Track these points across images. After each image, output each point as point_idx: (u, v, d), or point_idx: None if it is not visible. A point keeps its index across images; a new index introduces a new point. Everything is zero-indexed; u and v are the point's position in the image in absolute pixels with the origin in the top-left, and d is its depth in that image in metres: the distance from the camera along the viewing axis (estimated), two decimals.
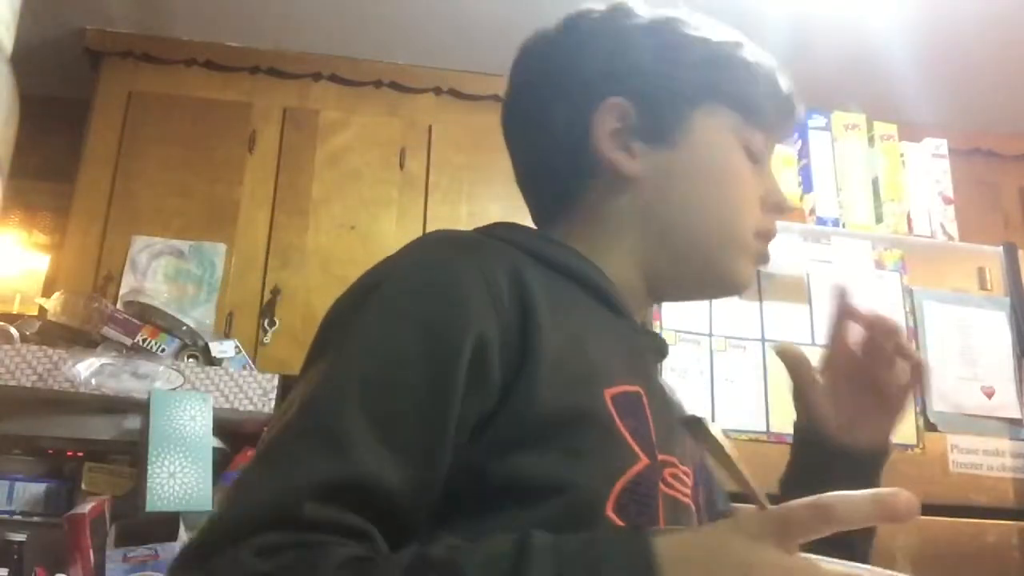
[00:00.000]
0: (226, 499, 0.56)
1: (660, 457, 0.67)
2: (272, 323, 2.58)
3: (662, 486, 0.67)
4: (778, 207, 0.81)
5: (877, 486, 0.51)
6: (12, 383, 1.95)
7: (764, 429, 1.79)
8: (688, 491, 0.71)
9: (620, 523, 0.61)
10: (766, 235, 0.80)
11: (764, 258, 0.80)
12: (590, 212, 0.78)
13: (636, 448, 0.64)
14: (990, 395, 1.94)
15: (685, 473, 0.71)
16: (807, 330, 1.89)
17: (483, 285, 0.62)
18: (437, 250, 0.67)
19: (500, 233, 0.73)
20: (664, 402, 0.74)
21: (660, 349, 0.81)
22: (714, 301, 1.87)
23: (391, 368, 0.59)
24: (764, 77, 0.81)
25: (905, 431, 1.87)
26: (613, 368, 0.67)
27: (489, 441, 0.60)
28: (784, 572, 0.47)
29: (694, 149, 0.77)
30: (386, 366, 0.59)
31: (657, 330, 1.79)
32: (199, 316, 2.43)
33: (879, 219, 2.20)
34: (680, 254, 0.78)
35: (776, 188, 0.81)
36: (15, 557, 1.83)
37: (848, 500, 0.47)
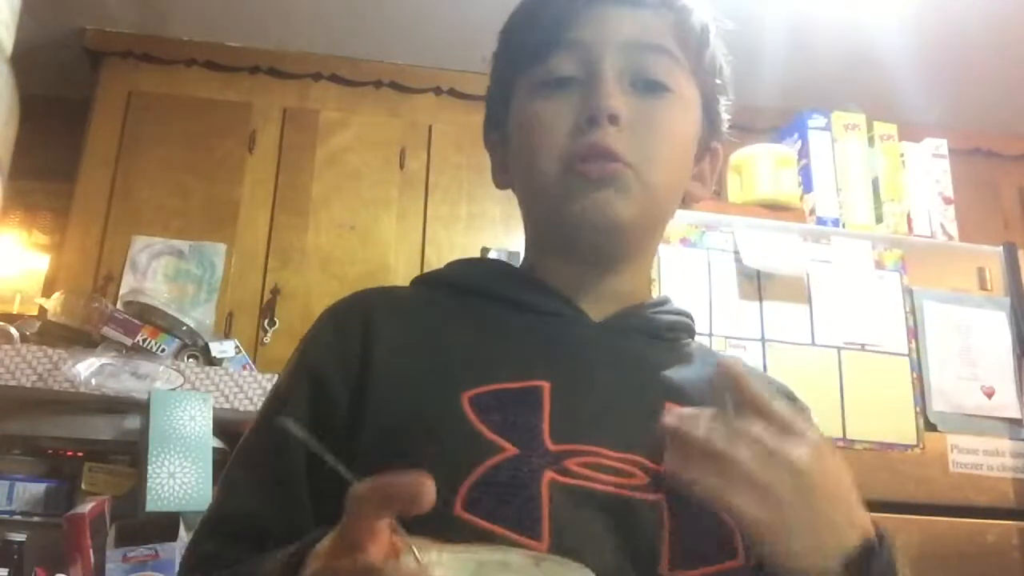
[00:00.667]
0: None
1: (555, 447, 0.65)
2: (272, 323, 2.58)
3: (554, 475, 0.64)
4: (588, 119, 0.71)
5: None
6: (12, 383, 1.95)
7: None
8: (625, 481, 0.65)
9: (476, 519, 0.62)
10: (578, 155, 0.71)
11: (584, 181, 0.71)
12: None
13: (498, 440, 0.65)
14: (990, 395, 1.94)
15: (623, 461, 0.66)
16: (807, 330, 1.89)
17: (331, 328, 0.75)
18: (317, 319, 0.79)
19: (436, 272, 0.83)
20: (609, 389, 0.70)
21: (655, 332, 0.78)
22: (714, 301, 1.87)
23: (255, 428, 0.76)
24: (536, 7, 0.77)
25: (905, 431, 1.87)
26: (490, 371, 0.69)
27: (347, 458, 0.62)
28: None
29: (510, 130, 0.79)
30: (253, 428, 0.76)
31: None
32: (199, 316, 2.43)
33: (879, 219, 2.20)
34: (541, 223, 0.78)
35: (590, 101, 0.71)
36: (15, 557, 1.83)
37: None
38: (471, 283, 0.78)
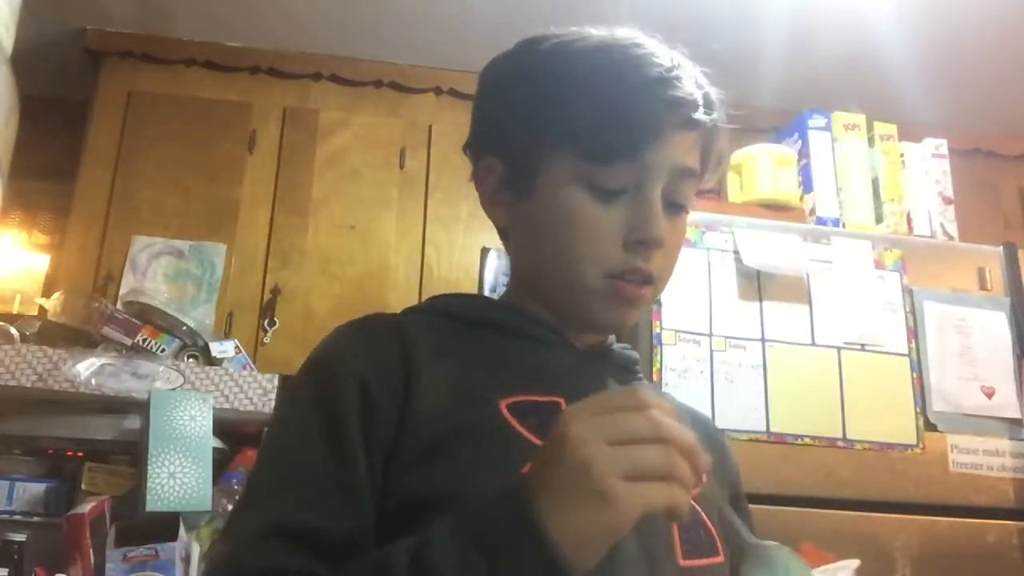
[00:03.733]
0: (206, 564, 0.73)
1: None
2: (272, 323, 2.58)
3: None
4: (639, 243, 0.76)
5: None
6: (12, 383, 1.95)
7: (764, 429, 1.79)
8: None
9: None
10: (622, 273, 0.76)
11: (621, 298, 0.77)
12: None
13: (538, 442, 0.69)
14: (990, 395, 1.94)
15: None
16: (807, 330, 1.89)
17: (362, 343, 0.75)
18: (329, 337, 0.78)
19: (423, 304, 0.86)
20: None
21: (624, 365, 0.85)
22: (714, 301, 1.87)
23: (293, 429, 0.73)
24: (613, 106, 0.76)
25: (905, 431, 1.87)
26: (516, 385, 0.74)
27: (395, 467, 0.69)
28: (587, 403, 0.57)
29: (541, 201, 0.79)
30: (289, 430, 0.74)
31: (657, 330, 1.79)
32: (199, 316, 2.43)
33: (879, 219, 2.20)
34: (548, 299, 0.82)
35: (642, 221, 0.76)
36: (15, 557, 1.83)
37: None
38: (465, 312, 0.83)
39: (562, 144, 0.77)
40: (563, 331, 0.82)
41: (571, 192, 0.77)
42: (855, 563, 0.58)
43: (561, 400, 0.74)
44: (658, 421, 0.56)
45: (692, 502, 0.74)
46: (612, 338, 0.87)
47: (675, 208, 0.79)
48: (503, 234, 0.87)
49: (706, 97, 0.79)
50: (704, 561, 0.74)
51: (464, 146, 0.88)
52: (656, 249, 0.76)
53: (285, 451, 0.72)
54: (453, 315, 0.83)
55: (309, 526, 0.65)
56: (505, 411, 0.72)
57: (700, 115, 0.77)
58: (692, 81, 0.78)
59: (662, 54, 0.78)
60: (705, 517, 0.77)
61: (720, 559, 0.76)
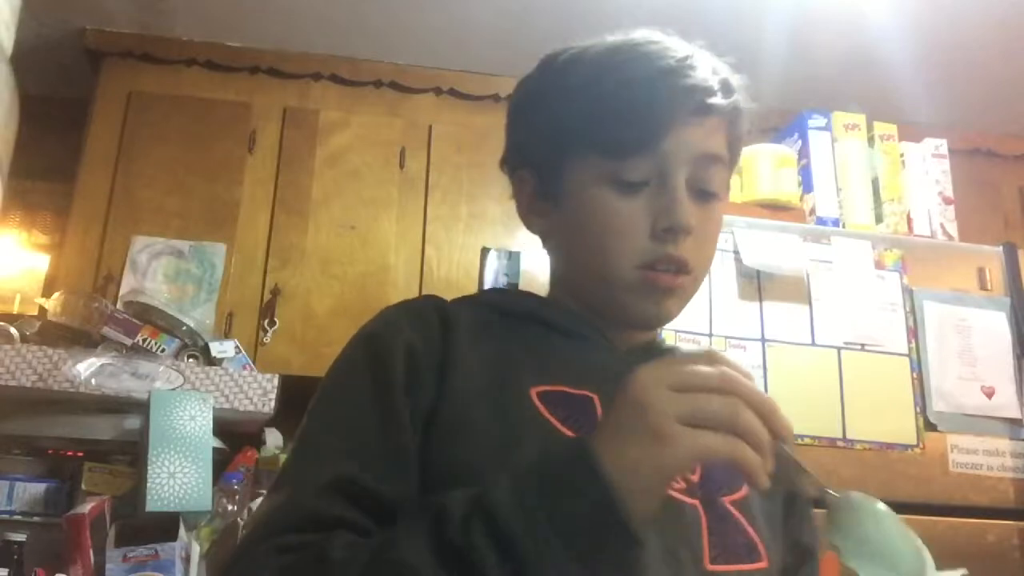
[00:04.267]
0: (257, 511, 0.70)
1: None
2: (272, 323, 2.58)
3: None
4: (666, 230, 0.77)
5: None
6: (12, 383, 1.96)
7: None
8: (677, 484, 0.73)
9: None
10: (653, 263, 0.77)
11: (655, 288, 0.78)
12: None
13: (566, 432, 0.72)
14: (990, 395, 1.94)
15: None
16: (807, 330, 1.89)
17: (410, 316, 0.78)
18: (377, 315, 0.81)
19: (469, 296, 0.89)
20: None
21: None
22: (714, 301, 1.87)
23: (349, 393, 0.75)
24: (625, 100, 0.77)
25: (905, 431, 1.87)
26: (549, 375, 0.76)
27: (429, 437, 0.71)
28: (652, 371, 0.58)
29: (571, 204, 0.81)
30: (345, 394, 0.76)
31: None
32: (199, 316, 2.43)
33: (879, 219, 2.20)
34: (585, 298, 0.83)
35: (667, 209, 0.77)
36: (15, 557, 1.83)
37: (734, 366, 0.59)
38: (512, 306, 0.85)
39: (583, 146, 0.79)
40: (605, 331, 0.83)
41: (596, 191, 0.78)
42: (962, 571, 0.59)
43: (594, 395, 0.75)
44: (728, 375, 0.57)
45: (729, 506, 0.75)
46: (664, 337, 0.88)
47: (705, 196, 0.79)
48: (544, 242, 0.89)
49: (723, 83, 0.79)
50: (736, 567, 0.73)
51: (500, 163, 0.90)
52: (684, 235, 0.77)
53: (341, 414, 0.74)
54: (496, 306, 0.85)
55: (370, 487, 0.67)
56: (535, 398, 0.73)
57: (716, 100, 0.77)
58: (708, 68, 0.78)
59: (676, 46, 0.79)
60: (745, 522, 0.76)
61: (762, 564, 0.75)
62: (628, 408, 0.57)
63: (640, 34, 0.81)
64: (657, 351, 0.86)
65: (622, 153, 0.77)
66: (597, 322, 0.83)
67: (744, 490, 0.79)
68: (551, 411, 0.73)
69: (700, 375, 0.57)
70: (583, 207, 0.80)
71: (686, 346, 0.88)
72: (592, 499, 0.55)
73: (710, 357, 0.58)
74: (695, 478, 0.74)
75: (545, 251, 0.90)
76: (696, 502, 0.74)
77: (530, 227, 0.88)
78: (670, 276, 0.78)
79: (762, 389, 0.60)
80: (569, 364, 0.78)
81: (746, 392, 0.57)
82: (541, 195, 0.85)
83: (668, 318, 0.81)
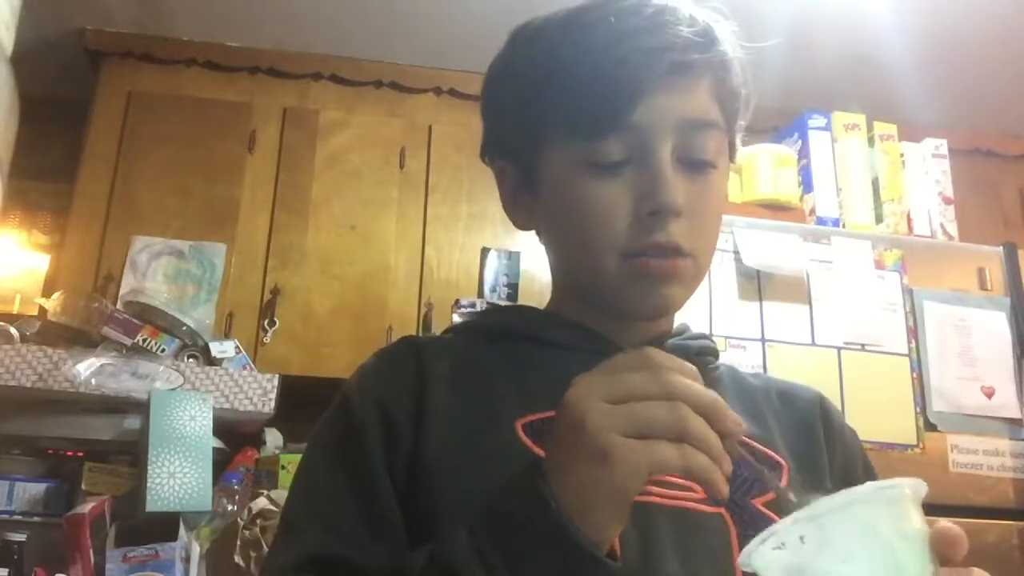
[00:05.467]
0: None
1: None
2: (272, 323, 2.58)
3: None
4: (651, 214, 0.69)
5: None
6: (12, 383, 1.95)
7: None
8: (686, 494, 0.68)
9: None
10: (642, 251, 0.69)
11: (647, 277, 0.70)
12: None
13: None
14: (990, 395, 1.94)
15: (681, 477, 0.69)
16: (807, 330, 1.89)
17: (383, 369, 0.75)
18: (357, 369, 0.77)
19: (467, 321, 0.85)
20: None
21: (681, 357, 0.78)
22: (714, 301, 1.87)
23: (322, 464, 0.72)
24: (589, 71, 0.69)
25: (905, 431, 1.87)
26: (536, 402, 0.70)
27: (415, 487, 0.68)
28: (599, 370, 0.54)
29: (549, 194, 0.75)
30: (319, 465, 0.72)
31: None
32: (199, 316, 2.43)
33: (879, 219, 2.20)
34: (581, 293, 0.77)
35: (651, 189, 0.68)
36: (15, 557, 1.83)
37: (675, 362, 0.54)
38: (503, 327, 0.80)
39: (553, 128, 0.72)
40: (606, 332, 0.76)
41: (573, 177, 0.71)
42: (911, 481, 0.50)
43: None
44: (666, 378, 0.52)
45: (761, 508, 0.68)
46: (682, 326, 0.80)
47: (698, 166, 0.70)
48: (538, 238, 0.82)
49: (703, 33, 0.70)
50: None
51: (480, 155, 0.84)
52: (672, 217, 0.68)
53: (316, 487, 0.71)
54: (486, 331, 0.80)
55: (339, 557, 0.65)
56: (520, 431, 0.69)
57: (693, 56, 0.69)
58: (683, 20, 0.69)
59: (645, 3, 0.71)
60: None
61: None
62: (568, 426, 0.53)
63: None
64: (669, 347, 0.77)
65: (594, 132, 0.69)
66: (602, 324, 0.76)
67: (784, 485, 0.72)
68: (536, 441, 0.68)
69: (637, 382, 0.52)
70: (561, 196, 0.73)
71: (693, 342, 0.80)
72: (544, 529, 0.52)
73: (645, 358, 0.53)
74: None
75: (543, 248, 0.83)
76: (721, 510, 0.67)
77: (515, 222, 0.81)
78: (664, 262, 0.69)
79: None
80: (561, 384, 0.72)
81: (689, 394, 0.51)
82: (523, 187, 0.78)
83: (672, 305, 0.73)
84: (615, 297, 0.72)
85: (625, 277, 0.71)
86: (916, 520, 0.48)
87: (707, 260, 0.74)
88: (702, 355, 0.79)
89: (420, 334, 0.75)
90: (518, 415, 0.69)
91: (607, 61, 0.68)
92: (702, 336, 0.82)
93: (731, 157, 0.78)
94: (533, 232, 0.82)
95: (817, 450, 0.77)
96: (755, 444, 0.73)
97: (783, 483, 0.71)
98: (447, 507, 0.65)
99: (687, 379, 0.52)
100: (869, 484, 0.48)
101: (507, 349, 0.76)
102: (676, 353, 0.75)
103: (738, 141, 0.79)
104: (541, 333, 0.77)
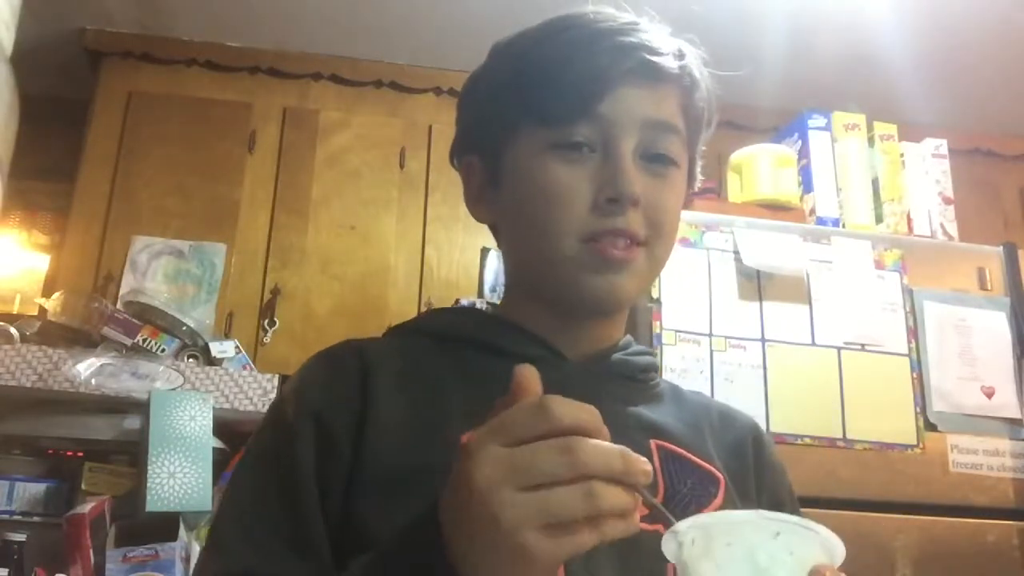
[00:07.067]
0: None
1: None
2: (272, 323, 2.58)
3: None
4: (610, 200, 0.71)
5: None
6: (12, 383, 1.96)
7: (764, 429, 1.79)
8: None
9: None
10: (599, 236, 0.71)
11: (602, 262, 0.72)
12: None
13: None
14: (990, 395, 1.94)
15: None
16: (807, 330, 1.89)
17: (325, 372, 0.74)
18: (297, 372, 0.77)
19: (411, 322, 0.84)
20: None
21: (628, 374, 0.79)
22: (714, 301, 1.87)
23: (252, 477, 0.72)
24: (561, 62, 0.73)
25: (905, 431, 1.87)
26: (481, 414, 0.66)
27: (353, 500, 0.67)
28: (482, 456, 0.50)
29: (513, 179, 0.76)
30: (249, 478, 0.72)
31: (657, 331, 1.79)
32: (199, 316, 2.43)
33: (879, 219, 2.20)
34: (537, 287, 0.77)
35: (611, 178, 0.71)
36: (15, 557, 1.83)
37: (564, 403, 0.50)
38: (449, 330, 0.80)
39: (522, 117, 0.74)
40: (556, 342, 0.77)
41: (537, 161, 0.73)
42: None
43: None
44: (572, 452, 0.49)
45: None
46: (627, 340, 0.81)
47: (659, 162, 0.74)
48: (494, 233, 0.83)
49: (674, 48, 0.75)
50: None
51: (449, 157, 0.85)
52: (630, 206, 0.71)
53: (242, 500, 0.71)
54: (433, 333, 0.80)
55: (260, 575, 0.65)
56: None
57: (664, 61, 0.73)
58: (657, 34, 0.74)
59: (622, 14, 0.75)
60: None
61: None
62: (477, 518, 0.50)
63: (589, 6, 0.77)
64: (608, 365, 0.78)
65: (562, 118, 0.72)
66: (551, 327, 0.77)
67: (720, 498, 0.73)
68: None
69: (544, 463, 0.49)
70: (523, 180, 0.75)
71: (637, 358, 0.81)
72: None
73: (544, 411, 0.50)
74: (658, 500, 0.67)
75: (497, 243, 0.84)
76: (659, 527, 0.64)
77: (478, 217, 0.82)
78: (619, 249, 0.71)
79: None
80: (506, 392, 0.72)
81: (596, 464, 0.49)
82: (488, 180, 0.79)
83: (622, 296, 0.75)
84: (570, 284, 0.73)
85: (581, 261, 0.72)
86: (802, 557, 0.50)
87: (662, 255, 0.76)
88: (646, 371, 0.81)
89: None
90: (466, 428, 0.65)
91: (580, 54, 0.72)
92: (646, 352, 0.83)
93: (691, 174, 0.81)
94: (488, 228, 0.83)
95: (746, 474, 0.80)
96: (695, 458, 0.75)
97: (719, 498, 0.74)
98: (384, 522, 0.63)
99: (588, 426, 0.50)
100: (764, 511, 0.52)
101: (456, 354, 0.76)
102: (620, 368, 0.78)
103: (698, 169, 0.82)
104: (488, 338, 0.77)
